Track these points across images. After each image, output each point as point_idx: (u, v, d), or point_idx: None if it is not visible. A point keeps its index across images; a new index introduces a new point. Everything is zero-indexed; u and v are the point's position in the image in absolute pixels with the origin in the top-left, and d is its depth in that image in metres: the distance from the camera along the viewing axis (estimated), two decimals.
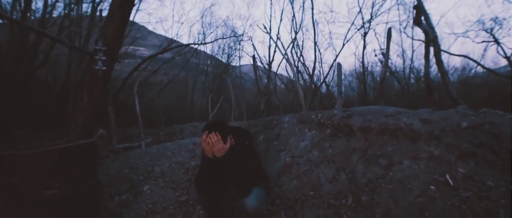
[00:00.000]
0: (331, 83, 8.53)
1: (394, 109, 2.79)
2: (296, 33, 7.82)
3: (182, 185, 2.78)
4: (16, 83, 7.14)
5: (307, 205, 2.16)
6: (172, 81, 11.85)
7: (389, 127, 2.46)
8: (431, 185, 1.85)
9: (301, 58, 8.24)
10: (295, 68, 4.74)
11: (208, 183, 1.73)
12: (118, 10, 3.80)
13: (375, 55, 5.74)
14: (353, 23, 7.83)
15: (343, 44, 7.98)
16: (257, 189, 1.72)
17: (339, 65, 3.27)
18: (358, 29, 6.83)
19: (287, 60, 4.11)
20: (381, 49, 5.87)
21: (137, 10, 9.68)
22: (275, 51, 9.86)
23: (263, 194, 1.78)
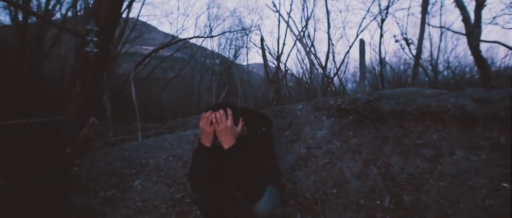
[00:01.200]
0: (343, 77, 7.99)
1: (433, 90, 2.29)
2: (306, 21, 7.28)
3: (178, 180, 2.37)
4: (18, 77, 6.96)
5: (329, 205, 1.71)
6: (179, 77, 11.55)
7: (431, 109, 1.98)
8: (503, 182, 1.36)
9: (312, 49, 7.69)
10: (308, 50, 4.31)
11: (204, 181, 1.29)
12: None
13: (396, 41, 5.19)
14: (369, 10, 7.21)
15: (357, 35, 7.42)
16: (270, 188, 1.24)
17: (362, 42, 2.79)
18: (374, 18, 6.28)
19: (300, 40, 3.66)
20: (402, 33, 5.31)
21: (143, 3, 9.38)
22: (284, 44, 9.35)
23: (278, 193, 1.31)
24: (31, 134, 1.31)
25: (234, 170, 1.16)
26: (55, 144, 1.43)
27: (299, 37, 3.69)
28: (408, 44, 4.94)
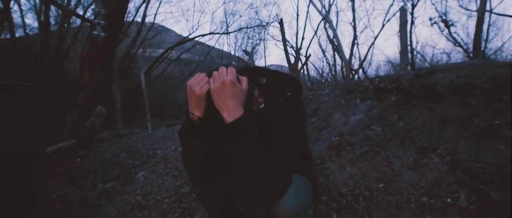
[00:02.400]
0: (368, 69, 7.32)
1: (503, 61, 1.79)
2: (329, 7, 6.60)
3: (186, 173, 2.03)
4: (40, 74, 7.06)
5: (376, 204, 1.29)
6: (194, 74, 11.38)
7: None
8: None
9: (334, 40, 7.10)
10: (334, 30, 3.87)
11: (201, 170, 0.89)
12: None
13: (433, 23, 4.45)
14: None
15: (383, 25, 6.78)
16: (298, 178, 0.83)
17: (403, 10, 2.33)
18: (405, 3, 5.60)
19: (326, 18, 3.24)
20: (441, 15, 4.61)
21: (161, 2, 9.34)
22: (303, 38, 8.86)
23: (308, 186, 0.89)
24: None
25: (241, 157, 0.74)
26: (29, 117, 1.13)
27: (324, 14, 3.28)
28: (448, 26, 4.32)
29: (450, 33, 4.44)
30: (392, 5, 6.31)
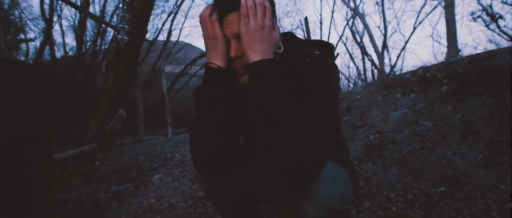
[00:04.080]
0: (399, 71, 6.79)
1: None
2: (353, 7, 6.20)
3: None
4: (74, 87, 7.48)
5: (438, 212, 0.99)
6: None
7: None
8: None
9: (361, 43, 6.70)
10: (365, 22, 3.58)
11: (217, 150, 0.65)
12: None
13: (477, 17, 3.89)
14: None
15: (414, 28, 6.29)
16: (333, 167, 0.62)
17: None
18: (439, 2, 5.13)
19: (356, 11, 2.98)
20: (485, 8, 4.03)
21: (186, 16, 9.66)
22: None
23: (348, 178, 0.66)
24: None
25: (264, 110, 0.55)
26: (29, 100, 1.03)
27: (352, 7, 3.04)
28: (494, 19, 3.81)
29: (499, 27, 3.91)
30: (424, 5, 5.88)
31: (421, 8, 6.32)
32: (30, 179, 0.98)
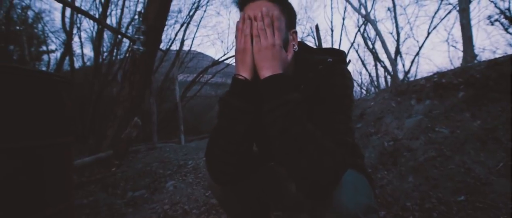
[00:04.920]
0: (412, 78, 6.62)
1: None
2: (365, 14, 6.14)
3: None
4: (91, 95, 7.75)
5: None
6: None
7: None
8: None
9: (374, 49, 6.59)
10: (375, 26, 3.52)
11: (237, 157, 0.65)
12: None
13: (494, 21, 3.73)
14: None
15: (428, 33, 6.17)
16: (354, 174, 0.64)
17: None
18: (454, 7, 4.99)
19: (367, 18, 2.97)
20: (503, 11, 3.87)
21: (198, 26, 9.92)
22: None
23: (368, 185, 0.67)
24: (22, 90, 0.98)
25: (278, 121, 0.57)
26: (54, 108, 1.08)
27: (364, 13, 3.04)
28: None
29: None
30: (438, 10, 5.78)
31: (435, 13, 6.23)
32: (51, 184, 1.02)
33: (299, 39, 0.79)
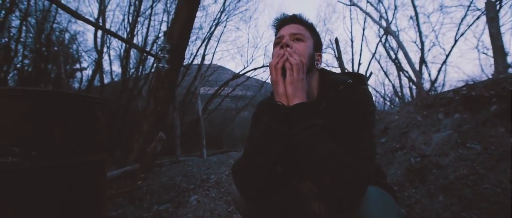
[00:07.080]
0: (441, 91, 6.28)
1: None
2: (385, 26, 5.98)
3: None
4: (118, 111, 8.18)
5: None
6: (251, 107, 11.70)
7: None
8: None
9: (396, 60, 6.40)
10: (399, 40, 3.42)
11: (269, 175, 0.73)
12: (185, 6, 3.60)
13: None
14: (471, 3, 5.33)
15: (456, 40, 5.89)
16: (380, 192, 0.68)
17: (490, 4, 1.93)
18: (483, 12, 4.74)
19: (388, 30, 2.92)
20: None
21: (218, 41, 10.26)
22: (360, 63, 8.37)
23: (393, 202, 0.70)
24: (62, 109, 1.08)
25: (304, 143, 0.65)
26: (90, 127, 1.18)
27: (385, 25, 2.99)
28: None
29: None
30: (465, 16, 5.53)
31: (462, 20, 5.91)
32: (87, 198, 1.10)
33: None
